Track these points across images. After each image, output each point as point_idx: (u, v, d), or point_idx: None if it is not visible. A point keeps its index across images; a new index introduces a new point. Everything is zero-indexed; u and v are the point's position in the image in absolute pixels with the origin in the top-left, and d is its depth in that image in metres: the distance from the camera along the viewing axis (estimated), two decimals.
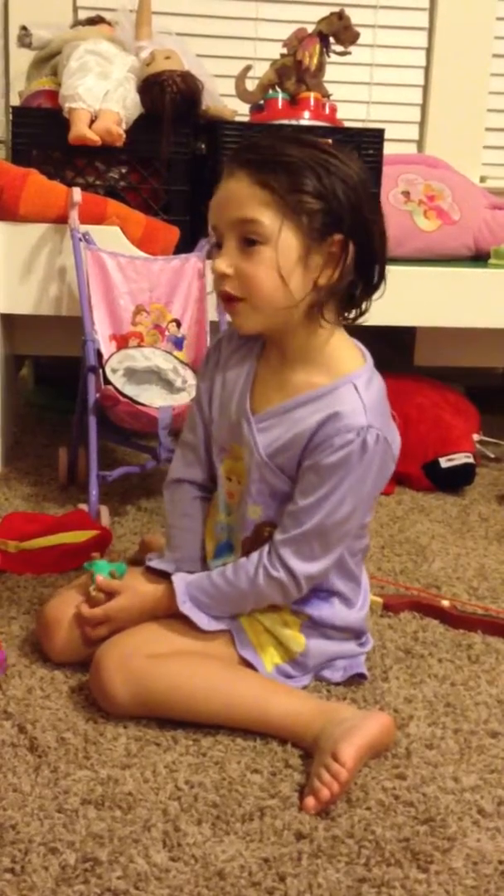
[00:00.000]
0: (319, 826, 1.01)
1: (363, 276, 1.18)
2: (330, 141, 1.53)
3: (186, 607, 1.22)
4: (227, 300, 1.17)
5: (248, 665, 1.23)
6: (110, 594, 1.26)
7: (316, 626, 1.26)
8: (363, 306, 1.20)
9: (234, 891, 0.91)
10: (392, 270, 1.20)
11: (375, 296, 1.20)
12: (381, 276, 1.19)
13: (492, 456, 2.27)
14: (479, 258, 2.49)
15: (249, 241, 1.13)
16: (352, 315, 1.21)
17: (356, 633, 1.30)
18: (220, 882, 0.92)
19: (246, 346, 1.27)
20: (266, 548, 1.21)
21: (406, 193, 2.46)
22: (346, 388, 1.17)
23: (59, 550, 1.59)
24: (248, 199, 1.13)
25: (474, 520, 1.97)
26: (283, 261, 1.13)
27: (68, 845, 0.96)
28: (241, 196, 1.13)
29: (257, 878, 0.93)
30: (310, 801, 1.03)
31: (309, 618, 1.25)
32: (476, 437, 2.23)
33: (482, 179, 2.88)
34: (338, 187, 1.13)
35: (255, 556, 1.22)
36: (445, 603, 1.51)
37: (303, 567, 1.19)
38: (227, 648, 1.23)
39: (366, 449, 1.15)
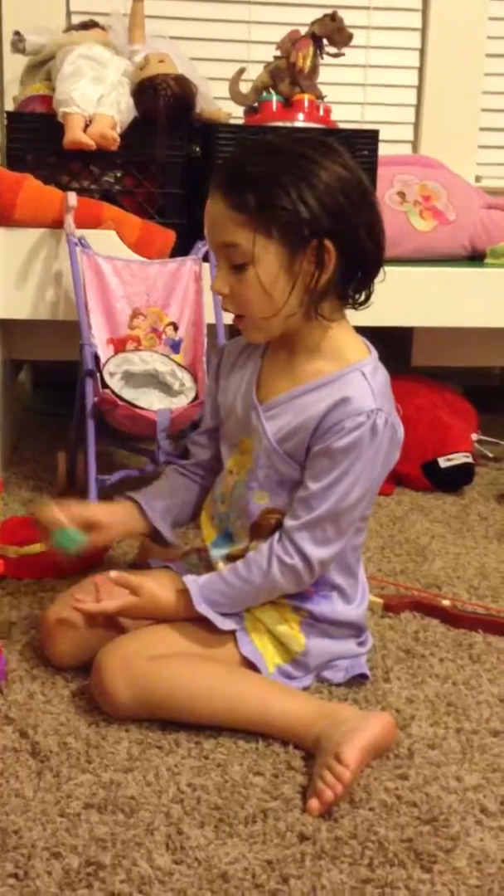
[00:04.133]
0: (322, 827, 1.01)
1: (356, 269, 1.18)
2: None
3: (203, 608, 1.22)
4: (234, 314, 1.22)
5: (250, 665, 1.23)
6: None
7: (316, 623, 1.26)
8: (365, 293, 1.21)
9: (238, 893, 0.91)
10: (388, 271, 1.20)
11: (379, 279, 1.20)
12: (378, 264, 1.19)
13: (490, 455, 2.27)
14: (475, 258, 2.49)
15: (237, 265, 1.16)
16: (359, 300, 1.21)
17: (356, 631, 1.31)
18: (224, 884, 0.92)
19: (247, 350, 1.31)
20: (276, 537, 1.21)
21: (401, 194, 2.46)
22: (354, 375, 1.20)
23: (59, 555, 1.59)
24: (225, 222, 1.15)
25: (474, 519, 1.97)
26: (265, 276, 1.15)
27: (71, 849, 0.96)
28: (218, 220, 1.16)
29: (261, 881, 0.93)
30: (313, 802, 1.03)
31: (309, 614, 1.26)
32: (475, 436, 2.23)
33: (477, 179, 2.88)
34: (309, 193, 1.12)
35: (264, 548, 1.22)
36: (446, 602, 1.51)
37: (317, 552, 1.20)
38: (228, 649, 1.23)
39: (376, 431, 1.17)
